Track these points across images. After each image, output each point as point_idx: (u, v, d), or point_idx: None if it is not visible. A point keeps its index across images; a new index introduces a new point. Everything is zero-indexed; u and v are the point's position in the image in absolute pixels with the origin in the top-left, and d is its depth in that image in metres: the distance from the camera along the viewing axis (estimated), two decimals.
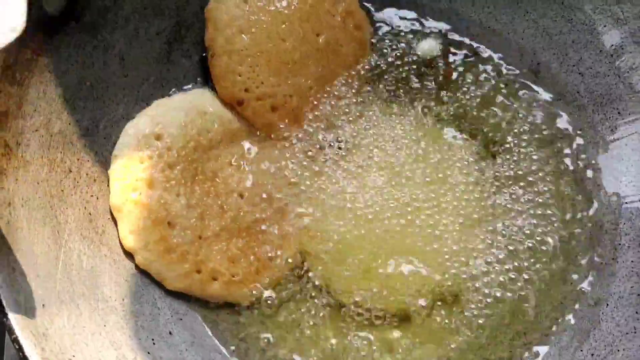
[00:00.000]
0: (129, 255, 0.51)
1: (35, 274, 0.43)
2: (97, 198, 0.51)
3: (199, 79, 0.57)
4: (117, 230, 0.50)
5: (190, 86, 0.57)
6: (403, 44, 0.59)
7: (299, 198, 0.55)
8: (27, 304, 0.42)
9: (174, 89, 0.56)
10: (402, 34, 0.60)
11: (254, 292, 0.53)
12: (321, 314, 0.52)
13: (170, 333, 0.51)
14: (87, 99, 0.51)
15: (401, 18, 0.60)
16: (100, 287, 0.48)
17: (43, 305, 0.43)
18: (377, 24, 0.60)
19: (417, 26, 0.60)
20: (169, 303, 0.52)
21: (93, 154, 0.51)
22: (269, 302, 0.53)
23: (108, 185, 0.52)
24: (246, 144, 0.56)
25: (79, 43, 0.50)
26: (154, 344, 0.49)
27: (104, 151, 0.52)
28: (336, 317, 0.52)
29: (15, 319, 0.40)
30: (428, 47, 0.59)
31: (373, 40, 0.59)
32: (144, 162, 0.51)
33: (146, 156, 0.51)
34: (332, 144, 0.56)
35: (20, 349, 0.40)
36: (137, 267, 0.51)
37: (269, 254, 0.53)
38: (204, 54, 0.56)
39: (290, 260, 0.54)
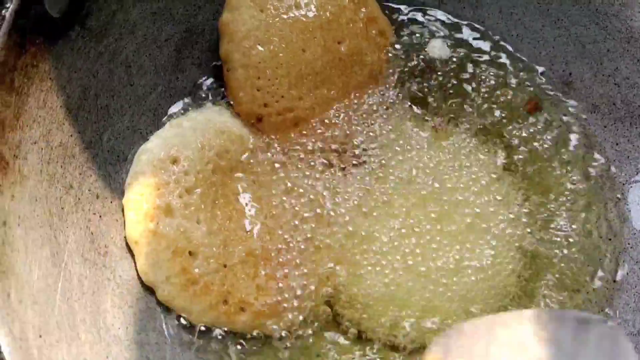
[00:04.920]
0: (134, 278, 0.47)
1: (32, 301, 0.40)
2: (100, 216, 0.47)
3: (209, 90, 0.54)
4: (135, 263, 0.47)
5: (201, 95, 0.54)
6: (427, 52, 0.56)
7: (323, 221, 0.51)
8: (23, 334, 0.38)
9: (183, 100, 0.53)
10: (426, 41, 0.56)
11: (283, 322, 0.48)
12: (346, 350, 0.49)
13: None
14: (90, 109, 0.47)
15: (424, 25, 0.57)
16: (102, 313, 0.44)
17: (40, 335, 0.39)
18: (400, 30, 0.57)
19: (441, 33, 0.57)
20: (177, 331, 0.48)
21: (96, 168, 0.47)
22: (290, 333, 0.49)
23: (112, 202, 0.48)
24: (267, 163, 0.52)
25: (83, 49, 0.46)
26: None
27: (108, 165, 0.48)
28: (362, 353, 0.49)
29: (9, 351, 0.36)
30: (438, 48, 0.56)
31: (397, 47, 0.56)
32: (160, 189, 0.47)
33: (162, 182, 0.47)
34: (358, 161, 0.53)
35: None
36: (143, 291, 0.47)
37: (298, 281, 0.49)
38: (216, 63, 0.53)
39: (319, 288, 0.49)
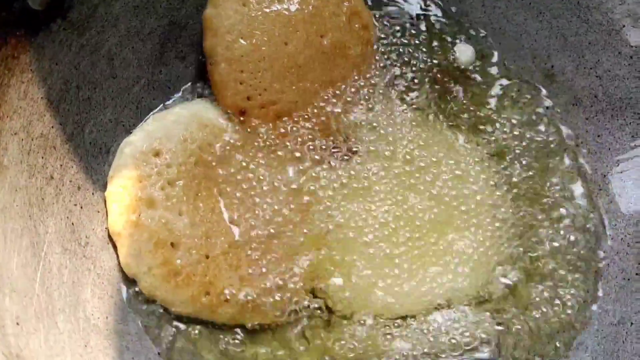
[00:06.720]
0: (115, 269, 0.47)
1: (10, 289, 0.40)
2: (81, 207, 0.47)
3: (193, 83, 0.54)
4: (117, 255, 0.47)
5: (184, 89, 0.54)
6: (411, 44, 0.56)
7: (306, 212, 0.51)
8: (0, 322, 0.38)
9: (166, 93, 0.53)
10: (409, 33, 0.57)
11: (266, 313, 0.48)
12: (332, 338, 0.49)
13: (158, 354, 0.47)
14: (72, 101, 0.48)
15: (409, 17, 0.57)
16: (82, 303, 0.44)
17: (17, 323, 0.39)
18: (383, 24, 0.57)
19: (423, 26, 0.57)
20: (158, 321, 0.48)
21: (77, 159, 0.48)
22: (273, 324, 0.49)
23: (93, 194, 0.48)
24: (250, 156, 0.52)
25: (65, 41, 0.47)
26: None
27: (90, 157, 0.49)
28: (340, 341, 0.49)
29: None
30: (467, 55, 0.56)
31: (380, 39, 0.56)
32: (143, 181, 0.47)
33: (145, 174, 0.48)
34: (340, 151, 0.53)
35: None
36: (124, 281, 0.47)
37: (281, 271, 0.49)
38: (200, 57, 0.53)
39: (302, 279, 0.50)
